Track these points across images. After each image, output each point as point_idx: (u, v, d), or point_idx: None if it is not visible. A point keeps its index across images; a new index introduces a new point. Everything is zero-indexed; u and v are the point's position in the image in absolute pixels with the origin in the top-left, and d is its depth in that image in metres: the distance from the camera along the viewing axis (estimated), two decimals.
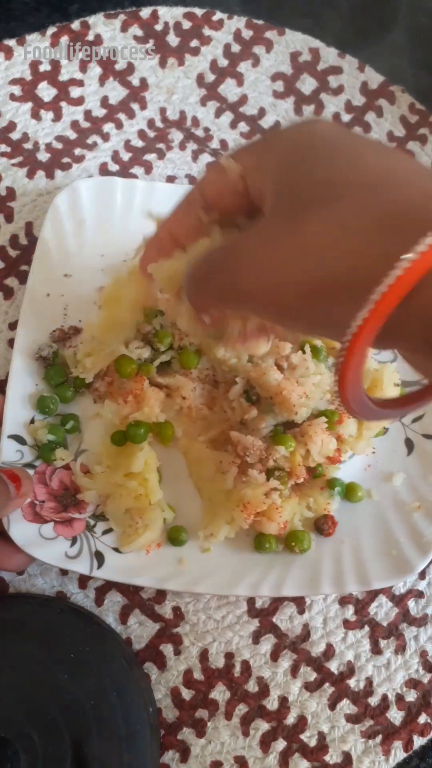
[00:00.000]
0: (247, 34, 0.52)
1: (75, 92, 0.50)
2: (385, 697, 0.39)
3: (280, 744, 0.38)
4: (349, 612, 0.40)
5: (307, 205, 0.23)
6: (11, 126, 0.49)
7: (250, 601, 0.40)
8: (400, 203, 0.22)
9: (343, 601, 0.40)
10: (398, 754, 0.38)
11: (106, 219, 0.45)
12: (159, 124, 0.50)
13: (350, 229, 0.22)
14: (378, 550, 0.39)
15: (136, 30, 0.52)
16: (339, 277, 0.22)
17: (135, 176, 0.48)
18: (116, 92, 0.50)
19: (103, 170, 0.48)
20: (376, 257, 0.21)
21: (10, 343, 0.44)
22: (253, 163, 0.28)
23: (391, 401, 0.27)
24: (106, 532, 0.39)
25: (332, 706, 0.39)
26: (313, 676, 0.39)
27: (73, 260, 0.44)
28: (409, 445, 0.42)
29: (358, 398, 0.24)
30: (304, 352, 0.40)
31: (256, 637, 0.40)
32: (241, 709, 0.39)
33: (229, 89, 0.51)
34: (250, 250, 0.25)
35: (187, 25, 0.52)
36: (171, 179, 0.48)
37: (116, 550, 0.39)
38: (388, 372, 0.41)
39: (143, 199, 0.45)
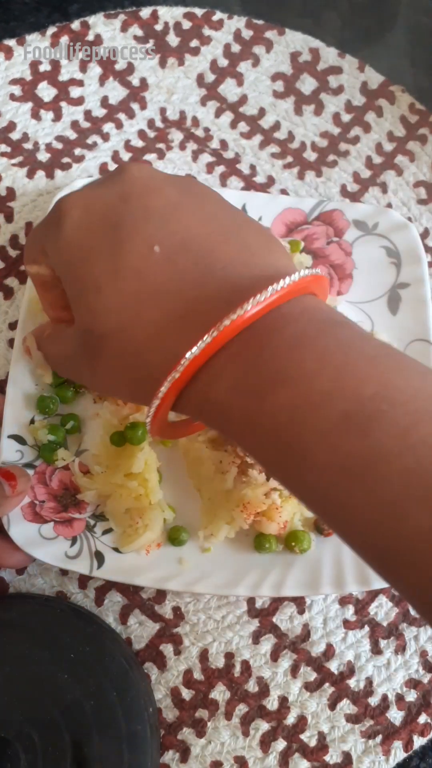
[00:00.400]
0: (247, 34, 0.52)
1: (75, 92, 0.50)
2: (385, 697, 0.39)
3: (280, 744, 0.38)
4: (349, 612, 0.40)
5: (94, 350, 0.29)
6: (11, 126, 0.49)
7: (250, 601, 0.40)
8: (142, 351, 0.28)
9: (343, 601, 0.40)
10: (398, 754, 0.38)
11: None
12: (159, 124, 0.50)
13: (123, 370, 0.29)
14: None
15: (136, 30, 0.52)
16: (132, 393, 0.30)
17: None
18: (116, 92, 0.50)
19: (104, 170, 0.48)
20: (142, 399, 0.28)
21: (10, 343, 0.44)
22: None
23: (176, 425, 0.34)
24: (106, 532, 0.39)
25: (332, 706, 0.39)
26: (313, 676, 0.39)
27: None
28: None
29: (159, 432, 0.30)
30: None
31: (256, 637, 0.40)
32: (241, 709, 0.39)
33: (229, 89, 0.51)
34: (79, 365, 0.31)
35: (187, 25, 0.52)
36: None
37: (116, 550, 0.39)
38: None
39: None
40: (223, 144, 0.50)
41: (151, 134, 0.50)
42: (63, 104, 0.50)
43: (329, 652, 0.40)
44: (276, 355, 0.25)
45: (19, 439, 0.40)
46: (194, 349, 0.25)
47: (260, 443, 0.25)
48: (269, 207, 0.45)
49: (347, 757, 0.38)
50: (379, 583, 0.37)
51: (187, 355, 0.25)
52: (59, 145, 0.49)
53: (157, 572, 0.38)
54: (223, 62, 0.51)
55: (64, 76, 0.50)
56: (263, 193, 0.46)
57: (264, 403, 0.24)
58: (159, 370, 0.26)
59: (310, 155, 0.50)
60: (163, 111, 0.50)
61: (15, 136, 0.49)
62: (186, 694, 0.39)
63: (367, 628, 0.40)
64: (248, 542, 0.40)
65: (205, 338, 0.25)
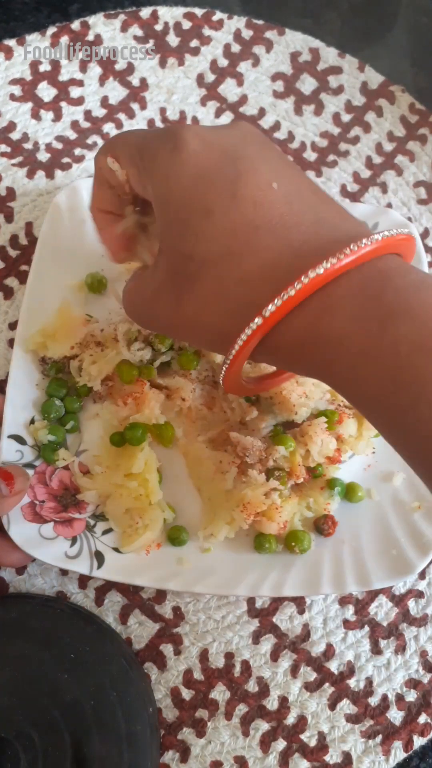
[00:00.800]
0: (247, 34, 0.52)
1: (75, 92, 0.50)
2: (385, 697, 0.39)
3: (280, 744, 0.38)
4: (349, 612, 0.40)
5: (189, 278, 0.28)
6: (11, 126, 0.49)
7: (250, 601, 0.40)
8: (250, 273, 0.27)
9: (343, 601, 0.40)
10: (398, 754, 0.38)
11: None
12: (159, 124, 0.50)
13: (223, 295, 0.28)
14: (378, 550, 0.39)
15: (136, 30, 0.52)
16: (219, 327, 0.28)
17: None
18: (116, 92, 0.50)
19: None
20: (238, 320, 0.27)
21: (10, 343, 0.44)
22: (134, 175, 0.31)
23: (255, 380, 0.34)
24: (106, 532, 0.39)
25: (332, 706, 0.39)
26: (313, 676, 0.39)
27: (73, 260, 0.44)
28: None
29: (234, 386, 0.31)
30: None
31: (256, 637, 0.40)
32: (241, 709, 0.39)
33: (229, 89, 0.51)
34: (159, 304, 0.30)
35: (187, 25, 0.52)
36: None
37: (116, 550, 0.39)
38: None
39: None
40: None
41: None
42: (63, 104, 0.50)
43: (329, 652, 0.40)
44: (400, 291, 0.25)
45: (19, 439, 0.40)
46: (317, 270, 0.25)
47: (375, 374, 0.25)
48: None
49: (347, 757, 0.38)
50: (379, 583, 0.37)
51: (309, 274, 0.25)
52: (59, 145, 0.49)
53: (157, 572, 0.38)
54: (223, 62, 0.51)
55: (64, 76, 0.50)
56: None
57: (385, 333, 0.24)
58: (265, 298, 0.26)
59: (310, 155, 0.50)
60: (163, 111, 0.50)
61: (15, 136, 0.49)
62: (186, 694, 0.39)
63: (367, 628, 0.40)
64: (248, 542, 0.40)
65: (326, 263, 0.25)
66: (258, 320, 0.26)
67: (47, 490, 0.40)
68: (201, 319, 0.29)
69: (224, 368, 0.28)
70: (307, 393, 0.40)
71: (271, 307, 0.25)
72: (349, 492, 0.41)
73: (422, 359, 0.24)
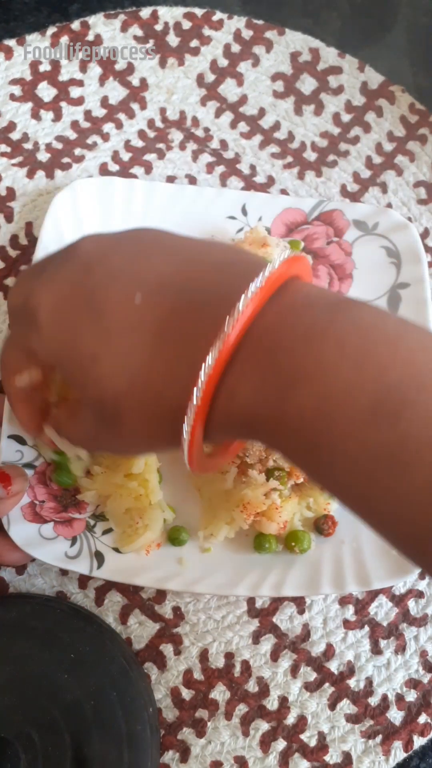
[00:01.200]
0: (247, 34, 0.52)
1: (75, 92, 0.50)
2: (385, 697, 0.39)
3: (280, 744, 0.38)
4: (349, 612, 0.40)
5: (113, 418, 0.28)
6: (11, 126, 0.49)
7: (250, 601, 0.40)
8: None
9: (343, 601, 0.40)
10: (398, 754, 0.38)
11: (106, 219, 0.45)
12: (159, 124, 0.50)
13: (149, 421, 0.28)
14: (378, 550, 0.39)
15: (136, 30, 0.52)
16: (161, 438, 0.29)
17: (135, 176, 0.48)
18: (116, 92, 0.50)
19: (103, 170, 0.48)
20: (175, 439, 0.27)
21: None
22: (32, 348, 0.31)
23: (212, 456, 0.33)
24: (106, 532, 0.39)
25: (332, 706, 0.39)
26: (313, 676, 0.39)
27: None
28: None
29: (201, 467, 0.30)
30: None
31: (256, 637, 0.40)
32: (241, 709, 0.39)
33: (229, 89, 0.51)
34: (104, 443, 0.32)
35: (187, 25, 0.52)
36: (171, 179, 0.48)
37: (116, 550, 0.39)
38: None
39: (143, 200, 0.45)
40: (223, 144, 0.50)
41: (151, 134, 0.50)
42: (63, 104, 0.50)
43: (329, 652, 0.40)
44: (291, 351, 0.24)
45: (19, 439, 0.40)
46: (206, 365, 0.25)
47: (289, 444, 0.25)
48: (269, 207, 0.45)
49: (347, 757, 0.38)
50: (379, 583, 0.37)
51: (201, 376, 0.25)
52: (59, 145, 0.49)
53: (157, 572, 0.38)
54: (223, 62, 0.51)
55: (64, 76, 0.50)
56: (263, 193, 0.46)
57: (287, 403, 0.24)
58: (181, 403, 0.26)
59: (310, 155, 0.50)
60: (163, 111, 0.50)
61: (15, 136, 0.49)
62: (186, 694, 0.39)
63: (367, 628, 0.40)
64: (248, 542, 0.40)
65: (211, 352, 0.25)
66: (185, 436, 0.26)
67: (47, 490, 0.39)
68: (146, 441, 0.29)
69: (185, 461, 0.28)
70: None
71: (188, 418, 0.26)
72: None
73: (326, 422, 0.23)
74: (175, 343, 0.27)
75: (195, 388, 0.25)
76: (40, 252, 0.43)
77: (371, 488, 0.23)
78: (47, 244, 0.43)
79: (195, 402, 0.25)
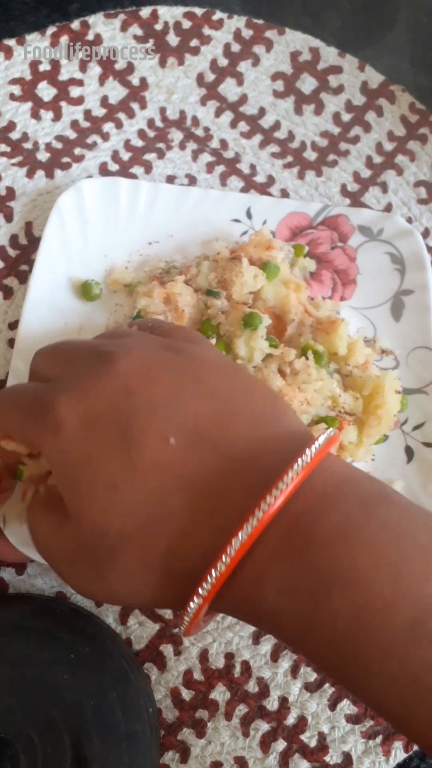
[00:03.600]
0: (247, 33, 0.52)
1: (75, 92, 0.50)
2: None
3: (281, 744, 0.38)
4: None
5: (108, 553, 0.26)
6: (11, 126, 0.49)
7: None
8: (170, 554, 0.26)
9: None
10: (398, 754, 0.38)
11: (110, 219, 0.45)
12: (159, 123, 0.50)
13: (143, 577, 0.26)
14: None
15: (135, 30, 0.52)
16: (151, 597, 0.27)
17: (135, 176, 0.48)
18: (116, 92, 0.50)
19: (103, 170, 0.48)
20: (170, 600, 0.26)
21: (10, 343, 0.44)
22: (26, 441, 0.30)
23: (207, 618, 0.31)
24: None
25: (332, 706, 0.39)
26: (313, 676, 0.39)
27: (76, 260, 0.44)
28: (409, 453, 0.42)
29: (197, 629, 0.28)
30: (307, 358, 0.39)
31: (256, 638, 0.40)
32: (241, 709, 0.39)
33: (229, 89, 0.51)
34: (79, 574, 0.28)
35: (186, 24, 0.52)
36: (171, 179, 0.48)
37: None
38: (389, 379, 0.40)
39: (148, 201, 0.45)
40: (223, 143, 0.50)
41: (151, 134, 0.50)
42: (63, 104, 0.50)
43: None
44: (324, 550, 0.23)
45: None
46: (237, 540, 0.23)
47: (318, 650, 0.24)
48: (274, 210, 0.45)
49: (347, 757, 0.38)
50: None
51: (233, 544, 0.23)
52: (59, 145, 0.49)
53: None
54: (223, 62, 0.51)
55: (63, 76, 0.50)
56: (268, 197, 0.46)
57: (318, 609, 0.23)
58: (196, 568, 0.24)
59: (310, 155, 0.50)
60: (163, 110, 0.50)
61: (15, 135, 0.49)
62: (186, 694, 0.39)
63: None
64: None
65: (245, 527, 0.23)
66: (196, 601, 0.24)
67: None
68: (134, 591, 0.27)
69: (183, 626, 0.26)
70: (309, 399, 0.39)
71: (206, 585, 0.24)
72: None
73: (361, 636, 0.22)
74: (203, 502, 0.25)
75: (223, 556, 0.24)
76: (43, 252, 0.43)
77: (413, 710, 0.22)
78: (50, 245, 0.43)
79: (217, 573, 0.24)
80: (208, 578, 0.24)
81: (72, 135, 0.49)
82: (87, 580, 0.28)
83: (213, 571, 0.24)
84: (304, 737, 0.38)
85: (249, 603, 0.25)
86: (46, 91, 0.50)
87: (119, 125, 0.50)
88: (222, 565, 0.24)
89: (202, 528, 0.25)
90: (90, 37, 0.51)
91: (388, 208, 0.48)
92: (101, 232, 0.44)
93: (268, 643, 0.40)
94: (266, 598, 0.24)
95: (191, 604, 0.25)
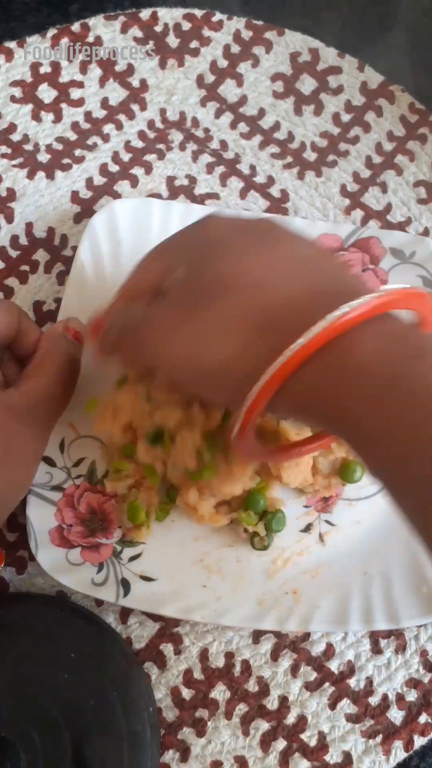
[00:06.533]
0: (246, 34, 0.52)
1: (75, 94, 0.50)
2: (385, 697, 0.39)
3: (281, 744, 0.38)
4: None
5: (202, 299, 0.28)
6: (12, 128, 0.49)
7: None
8: (273, 306, 0.27)
9: None
10: (398, 753, 0.38)
11: (143, 240, 0.43)
12: (159, 124, 0.50)
13: (232, 328, 0.27)
14: (408, 587, 0.38)
15: (135, 31, 0.52)
16: (226, 365, 0.28)
17: (135, 177, 0.48)
18: (116, 93, 0.51)
19: (103, 171, 0.49)
20: (254, 356, 0.27)
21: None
22: (163, 268, 0.33)
23: (278, 447, 0.33)
24: (132, 558, 0.39)
25: (332, 705, 0.39)
26: (313, 675, 0.39)
27: (108, 282, 0.43)
28: None
29: (249, 448, 0.29)
30: None
31: (257, 637, 0.40)
32: (242, 708, 0.39)
33: (229, 90, 0.51)
34: (157, 326, 0.30)
35: (186, 26, 0.52)
36: (171, 180, 0.48)
37: (143, 577, 0.39)
38: None
39: (180, 222, 0.44)
40: (223, 144, 0.50)
41: (151, 135, 0.50)
42: (63, 105, 0.50)
43: (329, 652, 0.40)
44: (423, 336, 0.26)
45: (48, 460, 0.40)
46: (353, 303, 0.25)
47: (403, 403, 0.24)
48: (306, 232, 0.45)
49: (347, 756, 0.38)
50: (408, 621, 0.37)
51: (340, 309, 0.25)
52: (59, 146, 0.49)
53: (183, 602, 0.38)
54: (223, 63, 0.51)
55: (64, 78, 0.51)
56: (299, 219, 0.46)
57: (413, 365, 0.24)
58: (292, 324, 0.25)
59: (310, 155, 0.50)
60: (163, 112, 0.50)
61: (15, 137, 0.49)
62: (186, 693, 0.39)
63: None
64: (276, 572, 0.40)
65: (355, 303, 0.25)
66: (287, 353, 0.25)
67: (75, 513, 0.39)
68: (209, 342, 0.28)
69: (239, 423, 0.27)
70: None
71: (299, 342, 0.25)
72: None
73: None
74: (315, 285, 0.28)
75: (329, 315, 0.25)
76: (76, 274, 0.43)
77: None
78: (84, 265, 0.43)
79: (317, 330, 0.25)
80: (316, 327, 0.25)
81: (72, 136, 0.49)
82: (174, 323, 0.29)
83: (326, 319, 0.25)
84: (304, 736, 0.38)
85: (334, 369, 0.25)
86: (46, 93, 0.50)
87: (119, 126, 0.50)
88: (325, 323, 0.25)
89: (316, 300, 0.26)
90: (90, 38, 0.52)
91: (388, 208, 0.48)
92: (134, 253, 0.44)
93: (268, 643, 0.40)
94: (357, 359, 0.25)
95: (285, 354, 0.25)
